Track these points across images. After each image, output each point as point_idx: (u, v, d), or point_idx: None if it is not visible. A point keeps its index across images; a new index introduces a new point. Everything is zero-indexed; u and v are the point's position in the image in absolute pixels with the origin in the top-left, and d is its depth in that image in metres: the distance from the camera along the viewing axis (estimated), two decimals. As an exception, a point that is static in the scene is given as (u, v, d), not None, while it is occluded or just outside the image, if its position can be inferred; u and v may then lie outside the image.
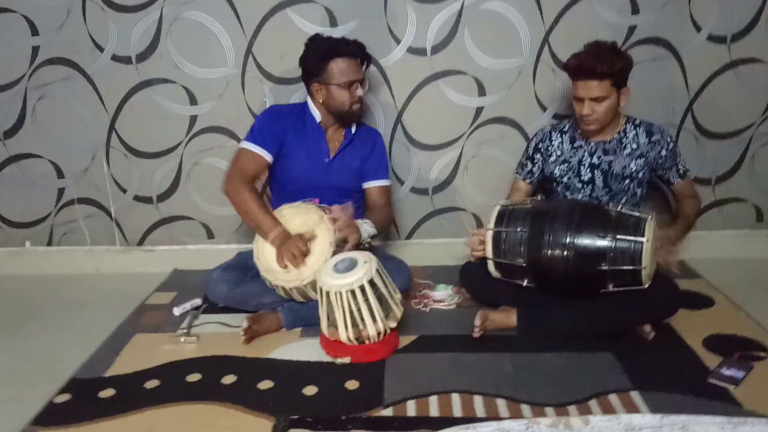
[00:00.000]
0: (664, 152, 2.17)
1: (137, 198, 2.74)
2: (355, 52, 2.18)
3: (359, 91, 2.19)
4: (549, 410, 1.66)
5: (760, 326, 2.09)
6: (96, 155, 2.68)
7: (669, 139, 2.19)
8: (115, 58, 2.53)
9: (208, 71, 2.54)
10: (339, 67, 2.14)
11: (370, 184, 2.36)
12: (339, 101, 2.18)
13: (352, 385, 1.82)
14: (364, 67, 2.24)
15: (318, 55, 2.16)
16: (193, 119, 2.61)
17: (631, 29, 2.45)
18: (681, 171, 2.26)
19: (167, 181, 2.71)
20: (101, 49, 2.52)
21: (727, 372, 1.80)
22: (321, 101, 2.22)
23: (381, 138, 2.43)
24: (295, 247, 2.04)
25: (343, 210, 2.08)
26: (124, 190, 2.73)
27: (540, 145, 2.29)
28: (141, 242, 2.82)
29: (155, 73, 2.55)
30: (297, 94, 2.53)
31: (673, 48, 2.48)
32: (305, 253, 2.06)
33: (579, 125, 2.17)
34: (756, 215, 2.74)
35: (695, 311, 2.21)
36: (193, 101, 2.59)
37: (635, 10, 2.43)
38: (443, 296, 2.35)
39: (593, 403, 1.69)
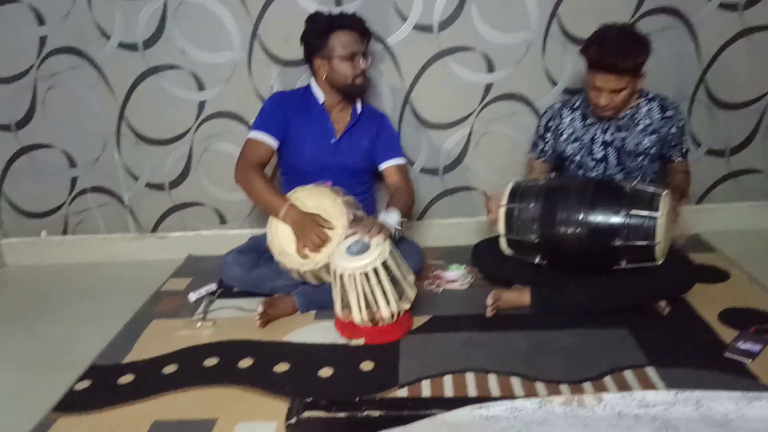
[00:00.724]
0: (674, 129, 2.14)
1: (149, 185, 2.76)
2: (355, 24, 2.19)
3: (362, 64, 2.19)
4: (564, 387, 1.67)
5: (776, 298, 2.07)
6: (107, 144, 2.69)
7: (680, 117, 2.15)
8: (121, 45, 2.53)
9: (214, 56, 2.53)
10: (340, 40, 2.15)
11: (386, 165, 2.35)
12: (342, 75, 2.18)
13: (367, 366, 1.84)
14: (365, 41, 2.23)
15: (318, 30, 2.17)
16: (202, 105, 2.61)
17: (642, -1, 2.40)
18: (683, 150, 2.23)
19: (178, 168, 2.72)
20: (108, 37, 2.52)
21: (743, 346, 1.79)
22: (324, 77, 2.21)
23: (387, 119, 2.42)
24: (314, 236, 2.05)
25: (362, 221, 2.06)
26: (136, 178, 2.75)
27: (551, 123, 2.26)
28: (154, 229, 2.84)
29: (162, 59, 2.55)
30: (304, 76, 2.52)
31: (684, 17, 2.43)
32: (325, 240, 2.06)
33: (594, 108, 2.12)
34: (772, 186, 2.70)
35: (710, 285, 2.20)
36: (200, 87, 2.58)
37: (646, -21, 2.38)
38: (456, 276, 2.35)
39: (608, 380, 1.69)
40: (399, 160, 2.37)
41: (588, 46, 2.01)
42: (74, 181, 2.76)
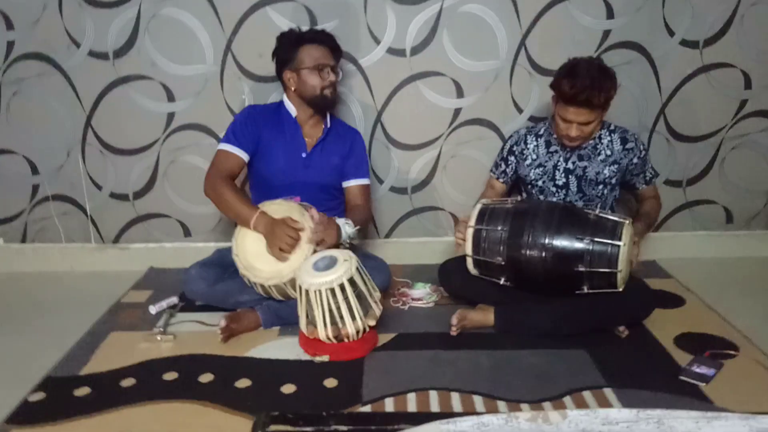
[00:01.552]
0: (636, 160, 2.22)
1: (113, 195, 2.71)
2: (324, 39, 2.23)
3: (331, 76, 2.21)
4: (525, 406, 1.69)
5: (729, 325, 2.14)
6: (71, 152, 2.65)
7: (642, 147, 2.23)
8: (91, 53, 2.50)
9: (186, 68, 2.53)
10: (309, 52, 2.19)
11: (350, 183, 2.38)
12: (311, 86, 2.20)
13: (330, 383, 1.83)
14: (335, 56, 2.27)
15: (288, 43, 2.21)
16: (171, 116, 2.59)
17: (606, 33, 2.49)
18: (647, 178, 2.31)
19: (144, 179, 2.69)
20: (78, 45, 2.49)
21: (698, 369, 1.84)
22: (293, 89, 2.23)
23: (360, 136, 2.44)
24: (286, 236, 2.04)
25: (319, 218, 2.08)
26: (99, 188, 2.70)
27: (515, 148, 2.32)
28: (116, 240, 2.79)
29: (132, 69, 2.53)
30: (276, 92, 2.53)
31: (646, 52, 2.53)
32: (297, 239, 2.05)
33: (561, 139, 2.17)
34: (726, 217, 2.81)
35: (667, 310, 2.26)
36: (170, 98, 2.57)
37: (610, 14, 2.47)
38: (422, 294, 2.37)
39: (568, 400, 1.72)
40: (364, 181, 2.40)
41: (560, 81, 2.05)
42: (36, 188, 2.70)
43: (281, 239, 2.04)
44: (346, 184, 2.38)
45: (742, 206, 2.79)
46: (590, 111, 2.03)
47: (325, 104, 2.26)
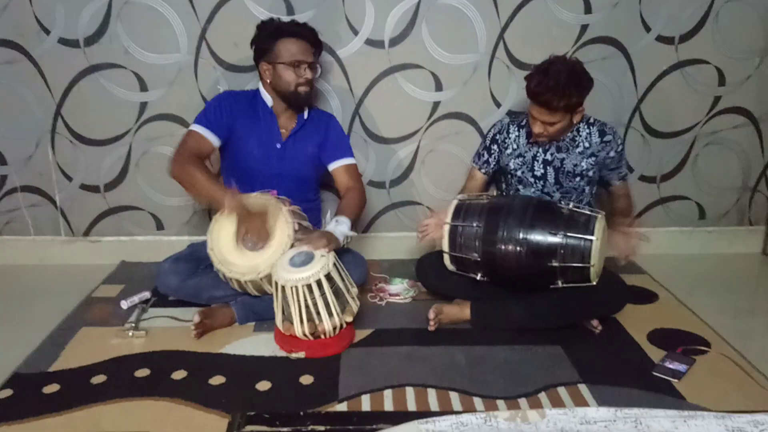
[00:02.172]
0: (612, 153, 2.23)
1: (84, 187, 2.65)
2: (305, 34, 2.18)
3: (308, 73, 2.16)
4: (501, 403, 1.70)
5: (701, 321, 2.17)
6: (41, 142, 2.58)
7: (619, 141, 2.24)
8: (62, 41, 2.43)
9: (159, 57, 2.47)
10: (286, 47, 2.13)
11: (335, 166, 2.32)
12: (285, 81, 2.16)
13: (306, 380, 1.81)
14: (314, 51, 2.22)
15: (267, 34, 2.16)
16: (143, 106, 2.54)
17: (584, 28, 2.50)
18: (622, 174, 2.33)
19: (115, 170, 2.63)
20: (47, 32, 2.42)
21: (670, 365, 1.87)
22: (269, 81, 2.19)
23: (334, 119, 2.40)
24: (262, 226, 2.01)
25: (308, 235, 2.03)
26: (69, 179, 2.64)
27: (498, 137, 2.32)
28: (87, 233, 2.73)
29: (104, 57, 2.46)
30: (251, 82, 2.49)
31: (623, 47, 2.54)
32: (266, 234, 2.02)
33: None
34: (699, 213, 2.85)
35: (640, 306, 2.29)
36: (143, 87, 2.51)
37: (588, 9, 2.47)
38: (399, 290, 2.37)
39: (543, 396, 1.73)
40: (348, 160, 2.33)
41: (531, 76, 2.07)
42: (3, 179, 2.62)
43: (253, 225, 2.00)
44: (331, 168, 2.32)
45: (714, 202, 2.83)
46: (550, 113, 2.04)
47: (298, 101, 2.21)
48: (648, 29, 2.52)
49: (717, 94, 2.64)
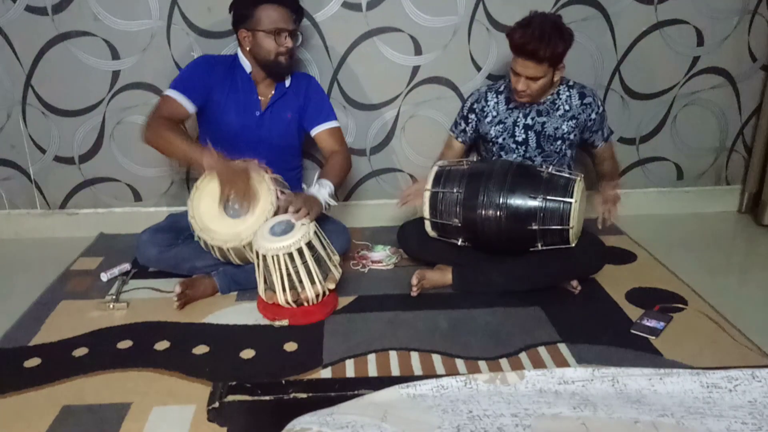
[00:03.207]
0: (594, 115, 2.23)
1: (58, 159, 2.60)
2: (286, 0, 2.11)
3: (288, 42, 2.11)
4: (482, 364, 1.72)
5: (678, 279, 2.21)
6: (11, 113, 2.51)
7: (599, 103, 2.24)
8: (29, 9, 2.35)
9: (130, 23, 2.40)
10: (267, 14, 2.07)
11: (318, 130, 2.27)
12: (265, 49, 2.11)
13: (290, 347, 1.82)
14: (295, 19, 2.16)
15: (243, 2, 2.09)
16: (116, 75, 2.48)
17: (564, -11, 2.47)
18: (605, 134, 2.33)
19: (89, 141, 2.58)
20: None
21: (648, 323, 1.90)
22: (248, 49, 2.14)
23: (314, 81, 2.36)
24: (245, 186, 1.98)
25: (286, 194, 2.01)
26: (43, 151, 2.58)
27: (475, 106, 2.30)
28: (63, 205, 2.69)
29: (73, 25, 2.39)
30: (227, 48, 2.44)
31: (602, 8, 2.52)
32: (252, 195, 2.00)
33: (513, 93, 2.18)
34: (677, 173, 2.87)
35: (618, 266, 2.32)
36: (115, 55, 2.45)
37: (568, -30, 2.45)
38: (381, 257, 2.37)
39: (523, 356, 1.76)
40: (331, 123, 2.29)
41: (513, 30, 2.05)
42: (-26, 152, 2.57)
43: (237, 184, 1.97)
44: (314, 133, 2.28)
45: (692, 163, 2.85)
46: (536, 65, 2.03)
47: (278, 70, 2.17)
48: (627, -11, 2.50)
49: (696, 54, 2.64)
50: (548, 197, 1.96)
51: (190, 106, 2.13)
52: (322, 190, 2.06)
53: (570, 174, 2.02)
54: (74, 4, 2.36)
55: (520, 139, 2.24)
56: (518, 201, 1.99)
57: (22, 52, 2.42)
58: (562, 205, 1.95)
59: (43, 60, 2.44)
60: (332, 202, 2.09)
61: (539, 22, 2.01)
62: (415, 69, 2.56)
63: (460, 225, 2.05)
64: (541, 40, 1.98)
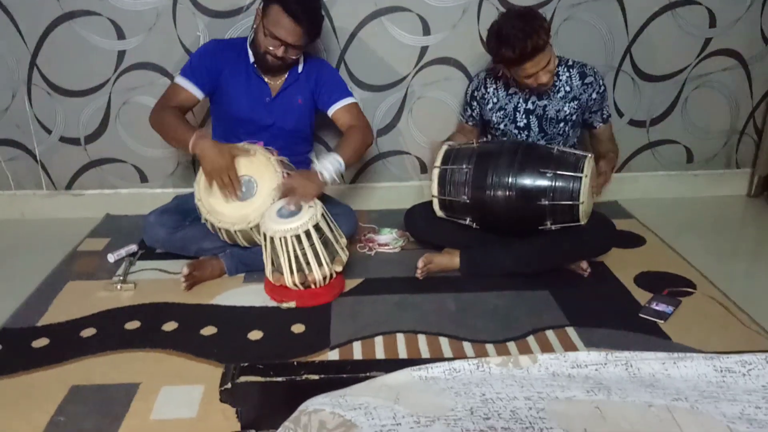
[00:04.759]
0: (595, 95, 2.19)
1: (63, 139, 2.59)
2: (302, 19, 1.99)
3: (278, 51, 2.03)
4: (489, 347, 1.72)
5: (687, 263, 2.20)
6: (17, 93, 2.50)
7: (601, 82, 2.20)
8: (32, -14, 2.33)
9: (136, 2, 2.37)
10: (277, 17, 1.99)
11: (334, 109, 2.22)
12: (259, 41, 2.05)
13: (298, 328, 1.82)
14: (304, 37, 2.04)
15: None
16: (122, 54, 2.45)
17: (574, -31, 2.43)
18: (605, 115, 2.29)
19: (95, 122, 2.56)
20: (16, -22, 2.32)
21: (657, 307, 1.89)
22: (253, 27, 2.10)
23: (326, 63, 2.32)
24: (226, 178, 1.96)
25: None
26: (48, 131, 2.57)
27: (476, 93, 2.28)
28: (69, 186, 2.68)
29: (78, 4, 2.36)
30: (233, 28, 2.41)
31: (614, -12, 2.48)
32: (236, 186, 1.98)
33: (535, 89, 2.12)
34: (687, 156, 2.84)
35: (627, 250, 2.31)
36: (120, 35, 2.42)
37: (579, -51, 2.40)
38: (388, 240, 2.36)
39: (531, 339, 1.76)
40: (347, 100, 2.22)
41: (499, 52, 2.01)
42: (-21, 132, 2.56)
43: (218, 176, 1.96)
44: (330, 112, 2.23)
45: (702, 146, 2.82)
46: (543, 53, 2.00)
47: (265, 66, 2.11)
48: (639, -31, 2.46)
49: (708, 35, 2.59)
50: (558, 173, 1.94)
51: (198, 93, 2.12)
52: (327, 165, 2.01)
53: (580, 152, 2.00)
54: (79, -17, 2.33)
55: (521, 124, 2.21)
56: (528, 178, 1.97)
57: (27, 31, 2.40)
58: (572, 181, 1.93)
59: (48, 39, 2.41)
60: (336, 179, 2.05)
61: (510, 27, 1.97)
62: (424, 49, 2.52)
63: (468, 202, 2.03)
64: (530, 36, 1.94)
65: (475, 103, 2.29)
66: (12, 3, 2.35)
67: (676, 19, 2.55)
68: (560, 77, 2.17)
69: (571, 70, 2.17)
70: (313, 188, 1.95)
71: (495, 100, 2.23)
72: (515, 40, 1.95)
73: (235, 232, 2.00)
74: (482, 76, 2.28)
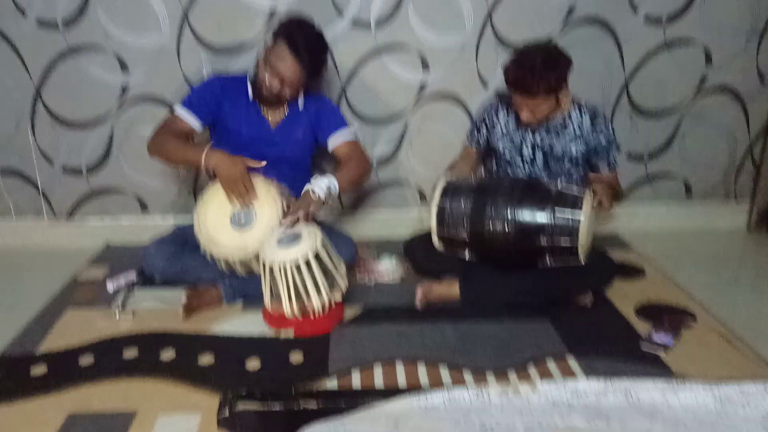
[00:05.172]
0: (603, 141, 2.20)
1: (65, 169, 2.61)
2: (303, 56, 2.05)
3: (275, 85, 2.08)
4: (490, 375, 1.70)
5: (687, 295, 2.19)
6: (20, 124, 2.53)
7: (611, 129, 2.22)
8: (40, 22, 2.38)
9: (140, 38, 2.43)
10: (279, 52, 2.05)
11: (334, 144, 2.27)
12: (260, 76, 2.11)
13: (296, 358, 1.81)
14: (303, 73, 2.09)
15: (282, 27, 2.09)
16: (125, 88, 2.50)
17: (571, 8, 2.48)
18: (611, 162, 2.29)
19: (98, 152, 2.59)
20: (23, 13, 2.37)
21: (657, 338, 1.88)
22: (257, 59, 2.16)
23: (325, 98, 2.37)
24: (242, 185, 2.00)
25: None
26: (51, 161, 2.59)
27: (486, 117, 2.30)
28: (70, 215, 2.69)
29: (83, 39, 2.42)
30: (236, 65, 2.46)
31: (610, 28, 2.53)
32: (252, 194, 2.02)
33: (540, 124, 2.17)
34: (685, 190, 2.86)
35: (628, 281, 2.30)
36: (124, 69, 2.47)
37: (575, -13, 2.47)
38: (387, 269, 2.36)
39: (531, 368, 1.74)
40: (347, 136, 2.27)
41: (508, 68, 2.06)
42: (-18, 162, 2.58)
43: (236, 187, 2.00)
44: (330, 147, 2.28)
45: (700, 179, 2.85)
46: (532, 98, 2.03)
47: (259, 97, 2.17)
48: (635, 9, 2.51)
49: (703, 73, 2.65)
50: (557, 213, 1.95)
51: (197, 124, 2.16)
52: (319, 182, 2.04)
53: (579, 190, 2.01)
54: (85, 19, 2.39)
55: (527, 156, 2.24)
56: (527, 216, 1.97)
57: (32, 64, 2.45)
58: (571, 222, 1.94)
59: (53, 73, 2.46)
60: (329, 200, 2.08)
61: (532, 56, 2.01)
62: (423, 85, 2.57)
63: (467, 239, 2.04)
64: (533, 76, 1.98)
65: (484, 127, 2.31)
66: (18, 37, 2.41)
67: (672, 57, 2.60)
68: (571, 117, 2.19)
69: (582, 113, 2.19)
70: (306, 204, 1.98)
71: (504, 128, 2.26)
72: (522, 69, 2.00)
73: (234, 261, 2.01)
74: (495, 103, 2.31)
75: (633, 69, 2.62)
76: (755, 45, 2.62)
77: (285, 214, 2.00)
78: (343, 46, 2.49)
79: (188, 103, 2.17)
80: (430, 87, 2.58)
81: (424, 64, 2.54)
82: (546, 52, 2.04)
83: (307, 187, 2.05)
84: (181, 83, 2.48)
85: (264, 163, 2.10)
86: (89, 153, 2.59)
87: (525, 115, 2.09)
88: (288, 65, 2.05)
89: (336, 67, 2.52)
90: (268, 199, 2.03)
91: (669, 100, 2.69)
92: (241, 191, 2.01)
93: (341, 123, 2.30)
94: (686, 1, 2.52)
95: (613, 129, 2.23)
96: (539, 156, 2.22)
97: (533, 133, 2.21)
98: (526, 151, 2.23)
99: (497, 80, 2.57)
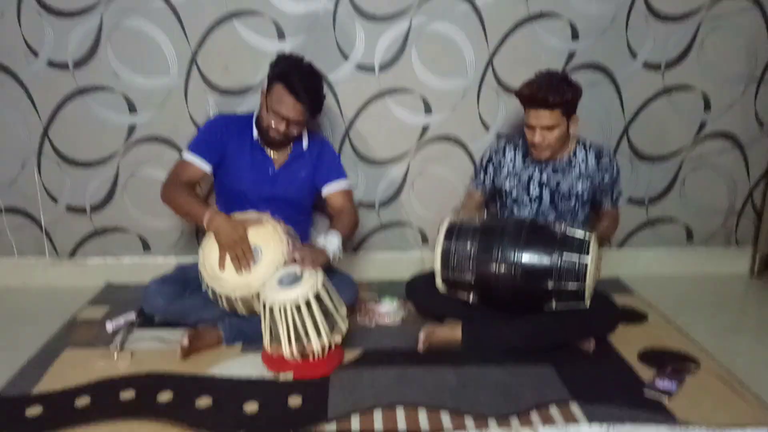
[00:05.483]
0: (608, 178, 2.24)
1: (69, 208, 2.63)
2: (303, 97, 2.08)
3: (281, 127, 2.11)
4: (492, 421, 1.68)
5: (690, 340, 2.17)
6: (26, 163, 2.56)
7: (616, 167, 2.26)
8: (51, 63, 2.43)
9: (148, 80, 2.48)
10: (279, 95, 2.08)
11: (328, 191, 2.31)
12: (263, 119, 2.15)
13: (295, 401, 1.78)
14: (305, 113, 2.13)
15: (278, 70, 2.12)
16: (132, 128, 2.53)
17: (571, 54, 2.54)
18: (614, 198, 2.33)
19: (102, 192, 2.61)
20: (36, 54, 2.42)
21: (661, 384, 1.86)
22: (260, 105, 2.19)
23: (327, 143, 2.39)
24: (240, 250, 2.01)
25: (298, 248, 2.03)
26: (55, 200, 2.61)
27: (493, 158, 2.32)
28: (72, 254, 2.70)
29: (93, 80, 2.47)
30: (243, 106, 2.50)
31: (610, 73, 2.58)
32: (249, 258, 2.02)
33: (531, 149, 2.19)
34: (686, 234, 2.87)
35: (630, 326, 2.28)
36: (132, 110, 2.51)
37: (575, 36, 2.52)
38: (389, 310, 2.35)
39: (534, 414, 1.71)
40: (343, 185, 2.32)
41: (522, 89, 2.11)
42: (-13, 200, 2.60)
43: (234, 250, 2.01)
44: (325, 192, 2.32)
45: (701, 224, 2.86)
46: (549, 112, 2.07)
47: (267, 141, 2.20)
48: (634, 55, 2.57)
49: (702, 119, 2.68)
50: (564, 256, 1.94)
51: (206, 167, 2.19)
52: (331, 240, 2.07)
53: (585, 232, 2.01)
54: (95, 60, 2.44)
55: (534, 195, 2.25)
56: (533, 258, 1.97)
57: (41, 104, 2.49)
58: (577, 265, 1.94)
59: (61, 113, 2.50)
60: (339, 255, 2.09)
61: (547, 74, 2.11)
62: (425, 128, 2.61)
63: (473, 282, 2.03)
64: (549, 87, 2.05)
65: (491, 168, 2.32)
66: (30, 78, 2.46)
67: (671, 103, 2.64)
68: (577, 156, 2.22)
69: (588, 151, 2.22)
70: (319, 259, 1.98)
71: (511, 167, 2.28)
72: (538, 83, 2.07)
73: (236, 299, 2.00)
74: (502, 144, 2.33)
75: (633, 114, 2.65)
76: (753, 91, 2.66)
77: (291, 255, 2.00)
78: (348, 88, 2.54)
79: (195, 147, 2.19)
80: (432, 130, 2.62)
81: (427, 108, 2.58)
82: (559, 73, 2.14)
83: (322, 242, 2.06)
84: (188, 124, 2.52)
85: (266, 216, 2.11)
86: (93, 192, 2.61)
87: (537, 138, 2.11)
88: (290, 107, 2.09)
89: (340, 109, 2.56)
90: (274, 238, 2.04)
91: (669, 146, 2.72)
92: (239, 255, 2.02)
93: (340, 173, 2.34)
94: (684, 48, 2.57)
95: (617, 165, 2.26)
96: (546, 194, 2.24)
97: (540, 172, 2.23)
98: (533, 189, 2.25)
99: (498, 124, 2.61)
